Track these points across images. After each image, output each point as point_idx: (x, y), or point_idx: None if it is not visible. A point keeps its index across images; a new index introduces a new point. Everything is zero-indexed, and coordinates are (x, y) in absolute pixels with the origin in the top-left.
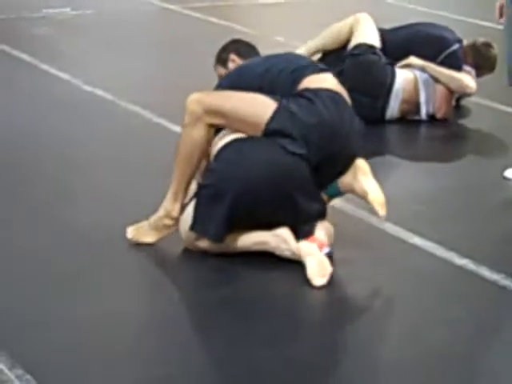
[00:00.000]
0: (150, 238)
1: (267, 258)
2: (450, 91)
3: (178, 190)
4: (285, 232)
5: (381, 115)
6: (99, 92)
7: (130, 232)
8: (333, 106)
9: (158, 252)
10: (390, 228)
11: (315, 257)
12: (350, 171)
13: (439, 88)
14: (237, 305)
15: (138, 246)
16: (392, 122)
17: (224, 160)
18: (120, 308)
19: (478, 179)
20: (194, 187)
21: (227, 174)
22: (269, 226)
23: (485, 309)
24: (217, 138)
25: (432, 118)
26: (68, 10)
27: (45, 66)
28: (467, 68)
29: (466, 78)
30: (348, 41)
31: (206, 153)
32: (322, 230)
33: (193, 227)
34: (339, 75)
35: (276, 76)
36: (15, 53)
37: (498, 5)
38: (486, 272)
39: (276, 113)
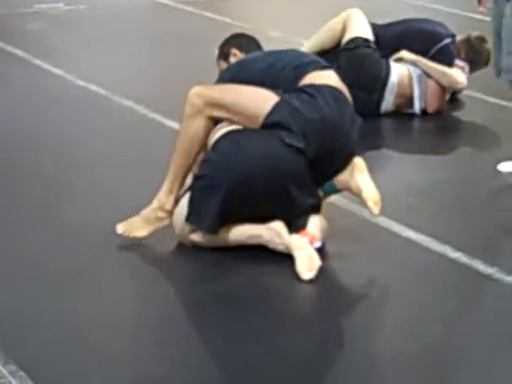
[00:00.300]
0: (143, 232)
1: (261, 253)
2: (442, 86)
3: (173, 182)
4: (278, 225)
5: (376, 109)
6: (93, 87)
7: (121, 227)
8: (334, 103)
9: (152, 248)
10: (384, 222)
11: (305, 251)
12: (347, 169)
13: (431, 83)
14: (231, 300)
15: (135, 243)
16: (387, 115)
17: (220, 151)
18: (116, 306)
19: (471, 172)
20: (189, 181)
21: (223, 164)
22: (263, 219)
23: (479, 302)
24: (214, 130)
25: (425, 112)
26: (61, 5)
27: (38, 62)
28: (460, 63)
29: (457, 73)
30: (342, 37)
31: (204, 146)
32: (316, 224)
33: (188, 218)
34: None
35: (279, 71)
36: (8, 48)
37: None
38: (479, 265)
39: (277, 106)
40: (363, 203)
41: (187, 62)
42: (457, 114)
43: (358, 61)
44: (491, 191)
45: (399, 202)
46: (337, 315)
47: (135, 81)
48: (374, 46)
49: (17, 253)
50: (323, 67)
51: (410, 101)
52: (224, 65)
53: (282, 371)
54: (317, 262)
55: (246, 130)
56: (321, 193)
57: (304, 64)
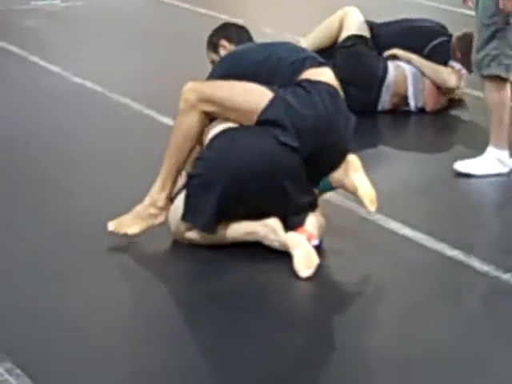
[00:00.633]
0: (134, 229)
1: (256, 250)
2: (439, 88)
3: (166, 178)
4: (274, 222)
5: (373, 107)
6: (89, 84)
7: (112, 224)
8: (330, 100)
9: (149, 247)
10: (381, 219)
11: (303, 248)
12: (342, 167)
13: (427, 82)
14: (227, 297)
15: (132, 242)
16: (384, 113)
17: (215, 149)
18: (110, 303)
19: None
20: (183, 180)
21: (218, 163)
22: (259, 216)
23: (475, 299)
24: (209, 127)
25: (423, 110)
26: (57, 1)
27: (34, 59)
28: (456, 65)
29: (448, 73)
30: (339, 35)
31: (197, 142)
32: (313, 222)
33: (184, 217)
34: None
35: (275, 64)
36: (4, 45)
37: None
38: (476, 263)
39: (271, 102)
40: (359, 201)
41: (183, 58)
42: (455, 112)
43: (355, 58)
44: (489, 189)
45: (396, 200)
46: (332, 313)
47: (131, 77)
48: (370, 43)
49: (16, 252)
50: (320, 64)
51: (405, 99)
52: (214, 56)
53: (277, 369)
54: (315, 259)
55: (240, 128)
56: (316, 190)
57: (301, 59)
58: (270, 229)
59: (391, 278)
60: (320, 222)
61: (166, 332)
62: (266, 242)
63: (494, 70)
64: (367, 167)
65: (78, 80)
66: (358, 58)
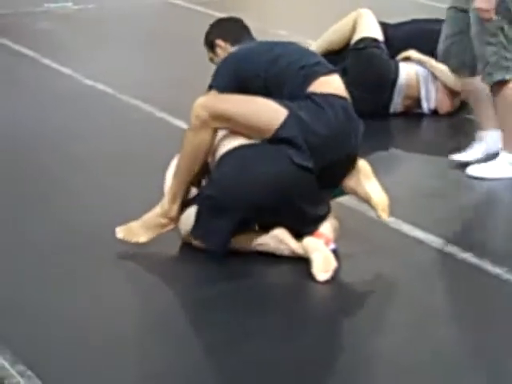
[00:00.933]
0: (143, 238)
1: (267, 253)
2: (452, 90)
3: (177, 191)
4: (280, 232)
5: (384, 109)
6: (100, 86)
7: (121, 231)
8: (343, 114)
9: (158, 248)
10: (393, 222)
11: (321, 252)
12: (354, 174)
13: (440, 84)
14: (236, 300)
15: (141, 243)
16: (396, 115)
17: (227, 175)
18: (119, 305)
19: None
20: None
21: (230, 191)
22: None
23: (487, 302)
24: (218, 139)
25: (436, 112)
26: (70, 4)
27: (46, 61)
28: None
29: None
30: (352, 36)
31: (209, 155)
32: (328, 225)
33: (193, 233)
34: (343, 71)
35: (284, 68)
36: (17, 47)
37: None
38: (488, 265)
39: (286, 121)
40: (372, 209)
41: (195, 61)
42: (468, 114)
43: (367, 61)
44: (501, 192)
45: (408, 203)
46: (344, 315)
47: (143, 80)
48: (383, 46)
49: (22, 252)
50: (329, 71)
51: (417, 101)
52: (211, 55)
53: (286, 370)
54: (333, 263)
55: (252, 148)
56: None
57: (311, 65)
58: (277, 239)
59: (403, 280)
60: (334, 225)
61: (176, 335)
62: (278, 253)
63: (497, 76)
64: (379, 170)
65: (89, 82)
66: (369, 60)
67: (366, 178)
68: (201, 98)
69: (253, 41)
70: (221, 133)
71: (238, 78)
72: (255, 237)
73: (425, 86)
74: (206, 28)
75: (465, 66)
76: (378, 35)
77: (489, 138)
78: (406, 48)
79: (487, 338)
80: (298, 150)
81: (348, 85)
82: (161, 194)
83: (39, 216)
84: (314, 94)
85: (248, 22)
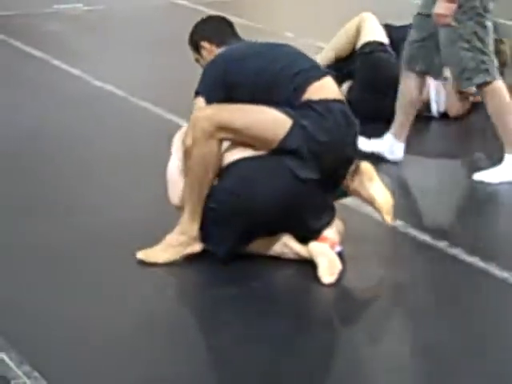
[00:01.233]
0: (166, 258)
1: (272, 257)
2: (462, 92)
3: (193, 210)
4: (284, 236)
5: (393, 113)
6: (110, 88)
7: (141, 253)
8: (343, 121)
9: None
10: (399, 224)
11: (326, 257)
12: (356, 177)
13: (449, 86)
14: (241, 303)
15: (145, 244)
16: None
17: (228, 191)
18: (128, 308)
19: None
20: None
21: (232, 207)
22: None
23: (494, 307)
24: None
25: (445, 115)
26: (80, 5)
27: (56, 62)
28: None
29: None
30: (357, 41)
31: (219, 167)
32: (333, 228)
33: (203, 240)
34: (350, 75)
35: (276, 74)
36: (27, 49)
37: None
38: (495, 269)
39: (291, 131)
40: (377, 212)
41: None
42: (478, 117)
43: (374, 65)
44: (507, 196)
45: (415, 205)
46: (350, 317)
47: (151, 81)
48: (389, 49)
49: (27, 253)
50: (322, 74)
51: (427, 104)
52: (197, 56)
53: (293, 373)
54: (338, 266)
55: (253, 162)
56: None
57: (305, 71)
58: (282, 243)
59: (408, 283)
60: (339, 228)
61: (184, 337)
62: (283, 257)
63: (478, 79)
64: (386, 172)
65: (98, 83)
66: (377, 64)
67: (369, 181)
68: (203, 111)
69: (240, 41)
70: (224, 143)
71: (225, 82)
72: (260, 241)
73: (434, 89)
74: None
75: (432, 68)
76: (384, 38)
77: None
78: None
79: (493, 343)
80: (301, 162)
81: (356, 88)
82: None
83: (42, 217)
84: (312, 101)
85: (253, 23)
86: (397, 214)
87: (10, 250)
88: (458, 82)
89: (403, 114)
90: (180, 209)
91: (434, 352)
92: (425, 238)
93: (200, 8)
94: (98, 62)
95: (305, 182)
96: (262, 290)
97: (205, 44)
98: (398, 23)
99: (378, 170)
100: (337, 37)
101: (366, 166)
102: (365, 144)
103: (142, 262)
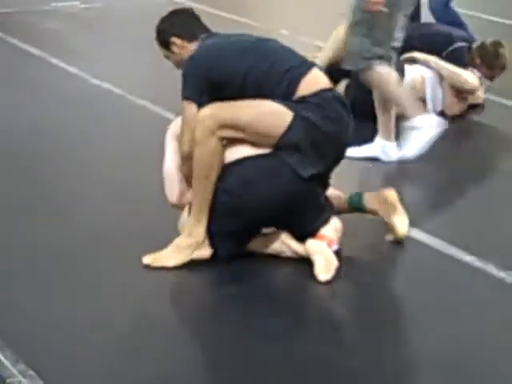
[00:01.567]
0: (173, 262)
1: (269, 255)
2: (458, 91)
3: (199, 212)
4: (281, 234)
5: None
6: (108, 86)
7: (148, 258)
8: (340, 107)
9: (160, 250)
10: None
11: (323, 255)
12: (381, 205)
13: (446, 85)
14: (243, 302)
15: (144, 244)
16: (401, 118)
17: (228, 192)
18: (128, 307)
19: (488, 177)
20: None
21: (232, 208)
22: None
23: (491, 306)
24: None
25: (442, 114)
26: (77, 3)
27: (54, 60)
28: (476, 73)
29: (466, 74)
30: None
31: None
32: (331, 227)
33: None
34: (347, 74)
35: (266, 72)
36: (24, 46)
37: None
38: (492, 269)
39: (292, 124)
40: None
41: None
42: (475, 117)
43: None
44: (507, 196)
45: (413, 205)
46: (348, 316)
47: (149, 80)
48: None
49: (25, 253)
50: (310, 67)
51: (423, 103)
52: (167, 53)
53: (291, 372)
54: (334, 263)
55: (255, 161)
56: (345, 205)
57: (295, 67)
58: (279, 241)
59: (406, 282)
60: (336, 226)
61: (183, 337)
62: (282, 255)
63: (361, 64)
64: (380, 173)
65: (95, 81)
66: None
67: (393, 210)
68: (206, 110)
69: (211, 34)
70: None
71: (210, 82)
72: (258, 239)
73: (430, 88)
74: (213, 28)
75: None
76: None
77: None
78: (409, 48)
79: (489, 342)
80: (302, 156)
81: (353, 87)
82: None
83: (40, 217)
84: (308, 95)
85: (250, 21)
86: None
87: (10, 250)
88: (348, 63)
89: (382, 113)
90: (177, 207)
91: (431, 349)
92: (422, 236)
93: (198, 6)
94: (96, 61)
95: (306, 180)
96: (261, 289)
97: (176, 40)
98: None
99: (372, 171)
100: (333, 36)
101: (392, 196)
102: (357, 151)
103: (148, 265)
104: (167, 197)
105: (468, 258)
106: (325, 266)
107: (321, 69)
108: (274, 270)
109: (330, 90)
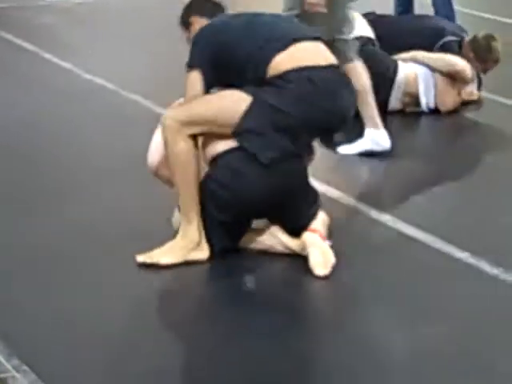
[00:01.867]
0: (166, 260)
1: (262, 251)
2: (451, 83)
3: (187, 211)
4: (272, 228)
5: (383, 107)
6: (101, 81)
7: (142, 256)
8: (311, 87)
9: (157, 247)
10: (391, 221)
11: (319, 248)
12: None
13: (440, 78)
14: (239, 298)
15: (139, 240)
16: (395, 113)
17: (219, 182)
18: (120, 303)
19: (482, 173)
20: None
21: (224, 197)
22: None
23: (484, 303)
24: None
25: (436, 110)
26: None
27: (47, 55)
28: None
29: (453, 57)
30: None
31: (199, 159)
32: (319, 221)
33: None
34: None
35: (249, 52)
36: (18, 41)
37: None
38: (486, 266)
39: (248, 110)
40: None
41: None
42: (469, 114)
43: (365, 59)
44: (500, 193)
45: (406, 202)
46: (342, 312)
47: (143, 75)
48: (377, 44)
49: (25, 251)
50: (290, 42)
51: (416, 99)
52: (188, 35)
53: (287, 369)
54: (331, 258)
55: (239, 152)
56: None
57: (268, 43)
58: (270, 234)
59: (399, 279)
60: (324, 220)
61: (177, 332)
62: (272, 250)
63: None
64: (377, 167)
65: (88, 77)
66: (368, 59)
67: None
68: (168, 111)
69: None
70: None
71: (215, 53)
72: (248, 235)
73: (424, 82)
74: None
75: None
76: (370, 33)
77: None
78: (399, 43)
79: (482, 339)
80: (261, 141)
81: None
82: (162, 191)
83: (37, 215)
84: (273, 77)
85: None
86: (385, 207)
87: (10, 250)
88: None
89: (361, 104)
90: (156, 177)
91: (424, 346)
92: (415, 233)
93: None
94: (89, 56)
95: (267, 166)
96: (256, 285)
97: (196, 18)
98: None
99: (367, 166)
100: None
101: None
102: (348, 149)
103: (142, 263)
104: (147, 163)
105: (461, 255)
106: (322, 259)
107: (321, 40)
108: (268, 266)
109: (312, 67)
